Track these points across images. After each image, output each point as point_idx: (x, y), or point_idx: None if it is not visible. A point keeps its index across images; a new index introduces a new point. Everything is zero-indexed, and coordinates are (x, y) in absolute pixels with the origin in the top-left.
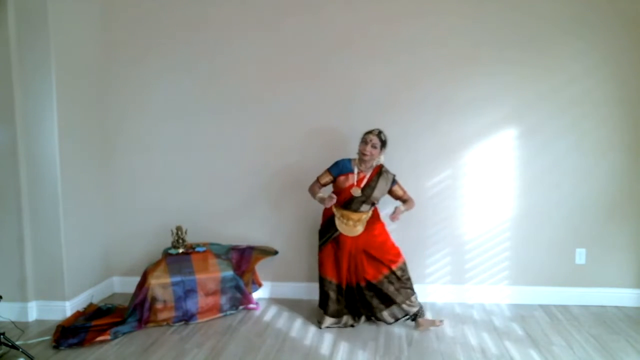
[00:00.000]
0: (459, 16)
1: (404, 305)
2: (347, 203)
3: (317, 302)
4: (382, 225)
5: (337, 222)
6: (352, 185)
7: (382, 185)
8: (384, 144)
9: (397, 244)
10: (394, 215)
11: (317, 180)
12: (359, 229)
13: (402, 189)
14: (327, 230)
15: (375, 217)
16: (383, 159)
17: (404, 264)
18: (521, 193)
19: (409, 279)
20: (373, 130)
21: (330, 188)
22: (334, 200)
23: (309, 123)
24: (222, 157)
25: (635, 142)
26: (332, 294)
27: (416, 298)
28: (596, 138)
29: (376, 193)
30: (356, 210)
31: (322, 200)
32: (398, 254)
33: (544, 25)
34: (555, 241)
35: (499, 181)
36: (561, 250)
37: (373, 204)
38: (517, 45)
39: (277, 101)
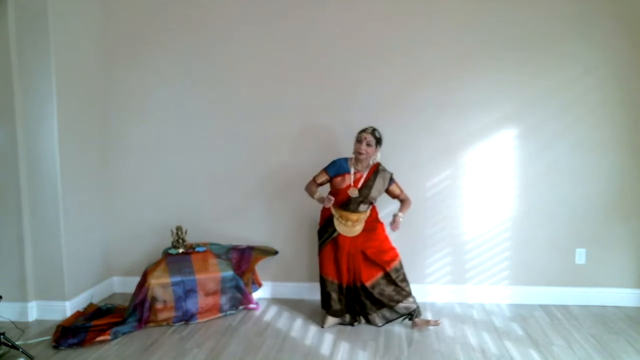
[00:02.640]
0: (459, 16)
1: (399, 306)
2: (345, 204)
3: (317, 302)
4: (382, 225)
5: (336, 222)
6: (349, 186)
7: (380, 184)
8: (378, 141)
9: (397, 243)
10: (394, 225)
11: (314, 179)
12: (358, 228)
13: (399, 187)
14: (326, 230)
15: (374, 217)
16: (379, 156)
17: (400, 265)
18: (521, 193)
19: (404, 280)
20: (367, 128)
21: (327, 187)
22: (333, 201)
23: (308, 122)
24: (222, 157)
25: (635, 142)
26: (334, 294)
27: (414, 299)
28: (596, 138)
29: (374, 193)
30: (354, 211)
31: (321, 200)
32: (394, 256)
33: (544, 25)
34: (555, 241)
35: (499, 181)
36: (561, 250)
37: (371, 203)
38: (517, 45)
39: (276, 101)
